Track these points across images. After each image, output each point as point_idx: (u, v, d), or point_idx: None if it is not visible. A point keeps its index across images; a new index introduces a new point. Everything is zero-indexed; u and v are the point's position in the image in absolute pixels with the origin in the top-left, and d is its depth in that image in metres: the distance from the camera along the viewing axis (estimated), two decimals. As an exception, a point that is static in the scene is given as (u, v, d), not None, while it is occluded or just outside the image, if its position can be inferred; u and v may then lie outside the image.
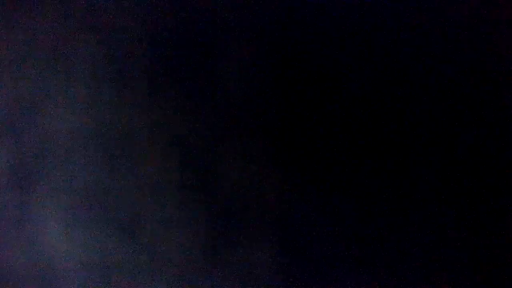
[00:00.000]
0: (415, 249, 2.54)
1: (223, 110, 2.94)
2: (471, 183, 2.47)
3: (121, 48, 3.20)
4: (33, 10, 3.41)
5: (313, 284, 2.68)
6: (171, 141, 3.06)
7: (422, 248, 2.53)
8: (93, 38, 3.27)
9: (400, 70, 2.57)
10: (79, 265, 3.25)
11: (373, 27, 2.60)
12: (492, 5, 2.40)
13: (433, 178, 2.53)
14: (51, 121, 3.34)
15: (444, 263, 2.50)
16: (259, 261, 2.83)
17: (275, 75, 2.82)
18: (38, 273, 3.31)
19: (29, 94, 3.35)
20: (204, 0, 2.97)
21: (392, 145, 2.58)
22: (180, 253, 3.02)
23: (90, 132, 3.25)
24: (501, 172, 2.41)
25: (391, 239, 2.57)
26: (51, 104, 3.32)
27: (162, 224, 3.07)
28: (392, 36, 2.57)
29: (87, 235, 3.23)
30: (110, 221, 3.19)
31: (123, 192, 3.16)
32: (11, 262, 3.38)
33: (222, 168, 2.93)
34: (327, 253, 2.68)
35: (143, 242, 3.11)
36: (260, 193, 2.84)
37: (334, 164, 2.68)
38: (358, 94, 2.63)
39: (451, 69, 2.49)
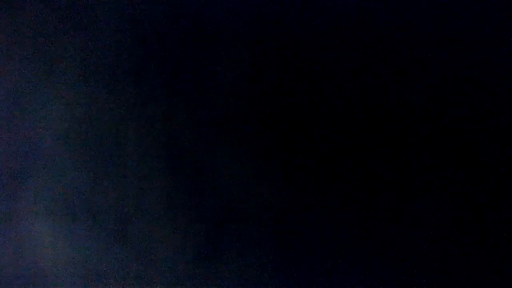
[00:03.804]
0: (416, 252, 2.54)
1: (214, 111, 2.92)
2: (471, 183, 2.47)
3: (109, 47, 3.17)
4: (16, 8, 3.39)
5: (309, 289, 2.68)
6: (161, 143, 3.03)
7: (423, 250, 2.53)
8: (80, 36, 3.24)
9: (400, 70, 2.57)
10: (66, 269, 3.23)
11: (373, 27, 2.60)
12: (492, 5, 2.40)
13: (434, 179, 2.53)
14: (37, 123, 3.32)
15: (445, 263, 2.50)
16: (253, 269, 2.82)
17: (271, 74, 2.81)
18: (25, 277, 3.30)
19: (14, 95, 3.33)
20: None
21: (392, 145, 2.58)
22: (171, 258, 2.99)
23: (78, 133, 3.22)
24: (501, 172, 2.41)
25: (391, 242, 2.57)
26: (37, 105, 3.31)
27: (152, 228, 3.04)
28: (392, 36, 2.57)
29: (74, 239, 3.22)
30: (98, 224, 3.17)
31: (112, 195, 3.14)
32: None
33: (214, 170, 2.92)
34: (325, 256, 2.67)
35: (132, 246, 3.08)
36: (254, 196, 2.83)
37: (332, 166, 2.68)
38: (357, 94, 2.63)
39: (451, 68, 2.50)
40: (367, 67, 2.61)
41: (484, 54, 2.44)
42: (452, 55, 2.49)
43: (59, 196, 3.26)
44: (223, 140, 2.90)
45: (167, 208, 3.00)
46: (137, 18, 3.10)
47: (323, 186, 2.68)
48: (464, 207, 2.47)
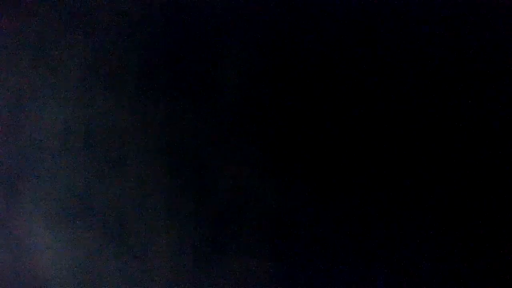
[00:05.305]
0: (418, 254, 2.54)
1: (215, 113, 2.93)
2: (472, 183, 2.47)
3: (111, 49, 3.18)
4: (20, 9, 3.39)
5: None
6: (162, 144, 3.03)
7: (424, 253, 2.53)
8: (82, 38, 3.25)
9: (401, 71, 2.57)
10: (65, 271, 3.23)
11: (373, 27, 2.60)
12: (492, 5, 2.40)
13: (434, 179, 2.53)
14: (38, 123, 3.33)
15: (446, 264, 2.50)
16: (253, 269, 2.82)
17: (270, 75, 2.82)
18: (23, 278, 3.30)
19: (16, 96, 3.34)
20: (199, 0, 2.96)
21: (392, 146, 2.58)
22: (171, 259, 3.00)
23: (78, 134, 3.23)
24: (501, 172, 2.41)
25: (391, 245, 2.57)
26: (38, 106, 3.31)
27: (151, 229, 3.04)
28: (392, 36, 2.58)
29: (74, 240, 3.22)
30: (98, 226, 3.17)
31: (112, 196, 3.14)
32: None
33: (214, 172, 2.92)
34: (324, 260, 2.67)
35: (131, 247, 3.08)
36: (253, 198, 2.83)
37: (332, 168, 2.68)
38: (357, 95, 2.63)
39: (452, 68, 2.50)
40: (371, 68, 2.61)
41: (484, 54, 2.44)
42: (454, 56, 2.49)
43: (59, 197, 3.26)
44: (225, 142, 2.90)
45: (168, 210, 3.00)
46: (140, 20, 3.11)
47: (326, 187, 2.69)
48: (465, 208, 2.47)
